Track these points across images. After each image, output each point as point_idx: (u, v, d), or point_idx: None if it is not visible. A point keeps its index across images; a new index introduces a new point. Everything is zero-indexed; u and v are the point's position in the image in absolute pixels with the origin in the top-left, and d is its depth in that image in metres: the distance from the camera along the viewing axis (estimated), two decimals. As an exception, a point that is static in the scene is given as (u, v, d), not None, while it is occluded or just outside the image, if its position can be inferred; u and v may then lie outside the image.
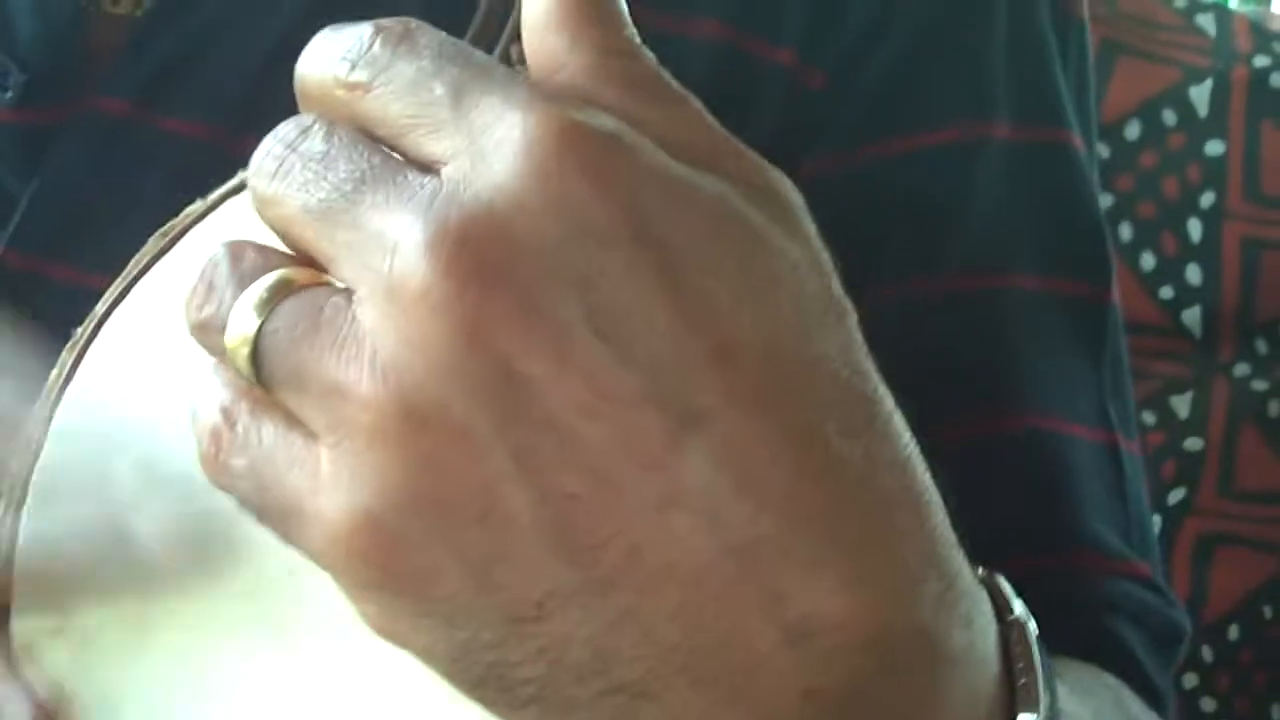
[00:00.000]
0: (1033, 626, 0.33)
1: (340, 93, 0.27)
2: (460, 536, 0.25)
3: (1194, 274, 1.14)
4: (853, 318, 0.28)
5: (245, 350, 0.26)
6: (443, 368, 0.24)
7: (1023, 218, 0.57)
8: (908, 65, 0.56)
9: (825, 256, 0.28)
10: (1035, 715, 0.31)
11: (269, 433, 0.27)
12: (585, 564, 0.25)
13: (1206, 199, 1.15)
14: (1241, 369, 1.10)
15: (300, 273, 0.27)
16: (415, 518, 0.25)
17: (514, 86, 0.26)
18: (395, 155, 0.26)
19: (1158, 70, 1.16)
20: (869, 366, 0.28)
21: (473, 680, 0.27)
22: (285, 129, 0.28)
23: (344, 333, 0.25)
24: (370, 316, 0.25)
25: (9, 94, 0.52)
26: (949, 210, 0.56)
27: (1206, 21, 1.19)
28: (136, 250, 0.44)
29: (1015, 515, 0.53)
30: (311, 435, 0.26)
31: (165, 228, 0.40)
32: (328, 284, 0.27)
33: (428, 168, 0.26)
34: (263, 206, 0.28)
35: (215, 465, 0.28)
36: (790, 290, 0.26)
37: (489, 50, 0.45)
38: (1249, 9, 1.21)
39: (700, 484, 0.25)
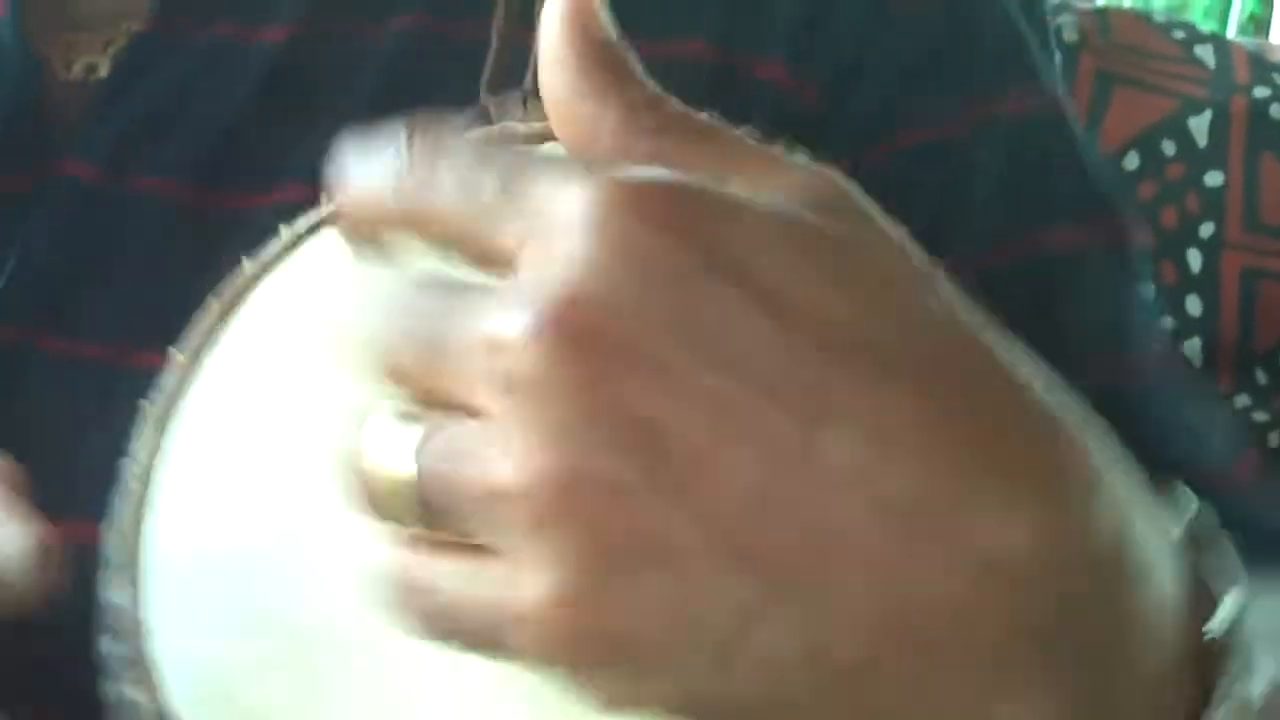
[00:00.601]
0: (1209, 526, 0.33)
1: (393, 208, 0.29)
2: (650, 585, 0.26)
3: (1194, 305, 1.16)
4: (940, 273, 0.29)
5: (408, 497, 0.27)
6: (578, 439, 0.25)
7: (1040, 179, 0.57)
8: (904, 65, 0.55)
9: (894, 229, 0.29)
10: (1236, 596, 0.32)
11: (451, 569, 0.28)
12: (767, 572, 0.26)
13: (1206, 229, 1.17)
14: (1242, 400, 1.11)
15: (427, 411, 0.28)
16: (605, 582, 0.26)
17: (560, 164, 0.27)
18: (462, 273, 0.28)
19: (1156, 101, 1.18)
20: (970, 309, 0.28)
21: (712, 717, 0.28)
22: None
23: (483, 448, 0.26)
24: (499, 421, 0.26)
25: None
26: (966, 192, 0.56)
27: (1205, 52, 1.21)
28: (125, 315, 0.47)
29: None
30: (486, 551, 0.27)
31: (220, 294, 0.41)
32: (452, 411, 0.28)
33: (498, 264, 0.27)
34: (364, 363, 0.29)
35: (414, 618, 0.29)
36: (868, 265, 0.27)
37: (508, 87, 0.48)
38: (1248, 40, 1.23)
39: (850, 469, 0.25)
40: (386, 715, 0.37)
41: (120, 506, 0.40)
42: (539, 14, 0.32)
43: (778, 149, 0.30)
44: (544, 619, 0.26)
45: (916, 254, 0.29)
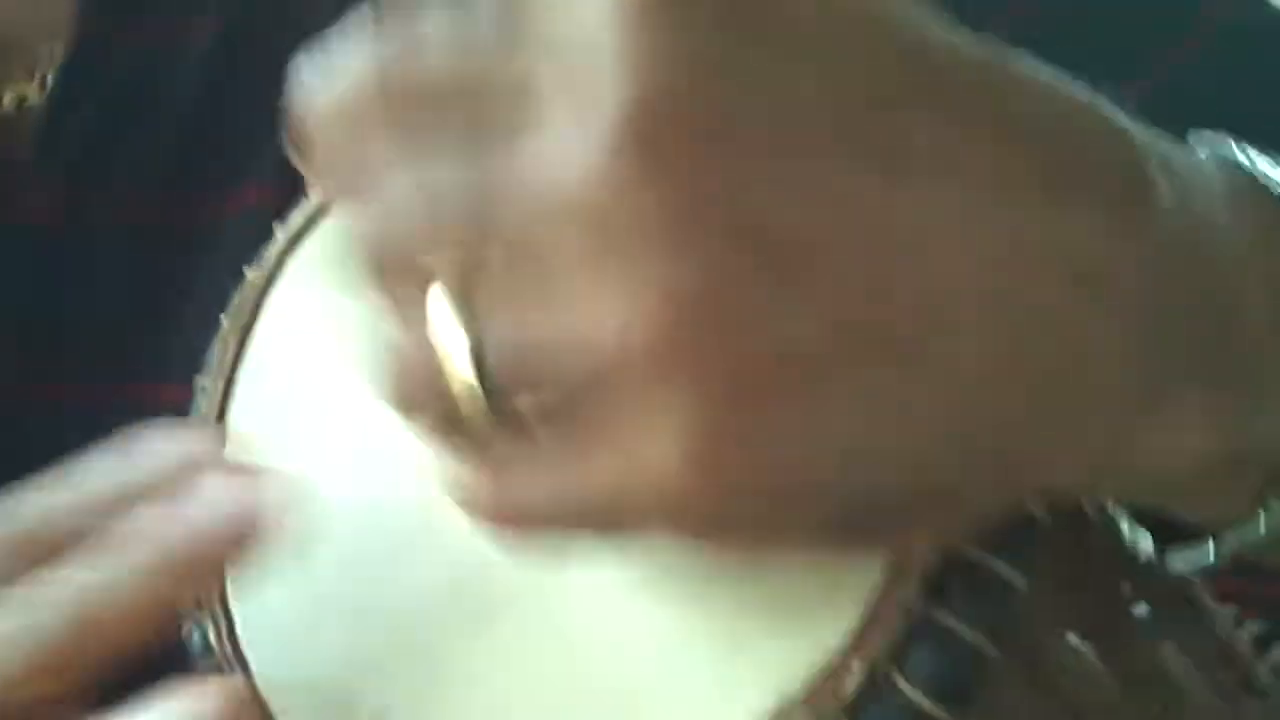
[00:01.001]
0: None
1: (376, 99, 0.24)
2: (793, 410, 0.23)
3: None
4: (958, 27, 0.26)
5: (473, 394, 0.24)
6: (688, 260, 0.22)
7: None
8: None
9: None
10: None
11: (541, 465, 0.25)
12: (899, 351, 0.23)
13: None
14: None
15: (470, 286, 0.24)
16: (742, 421, 0.22)
17: None
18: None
19: None
20: (1003, 52, 0.26)
21: (848, 531, 0.26)
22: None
23: (566, 316, 0.23)
24: (584, 276, 0.22)
25: None
26: None
27: None
28: (109, 348, 0.45)
29: None
30: (581, 424, 0.23)
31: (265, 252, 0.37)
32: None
33: (524, 97, 0.23)
34: (393, 265, 0.25)
35: (511, 525, 0.26)
36: (894, 21, 0.25)
37: None
38: None
39: (941, 218, 0.24)
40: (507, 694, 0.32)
41: None
42: None
43: None
44: (680, 480, 0.23)
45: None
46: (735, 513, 0.24)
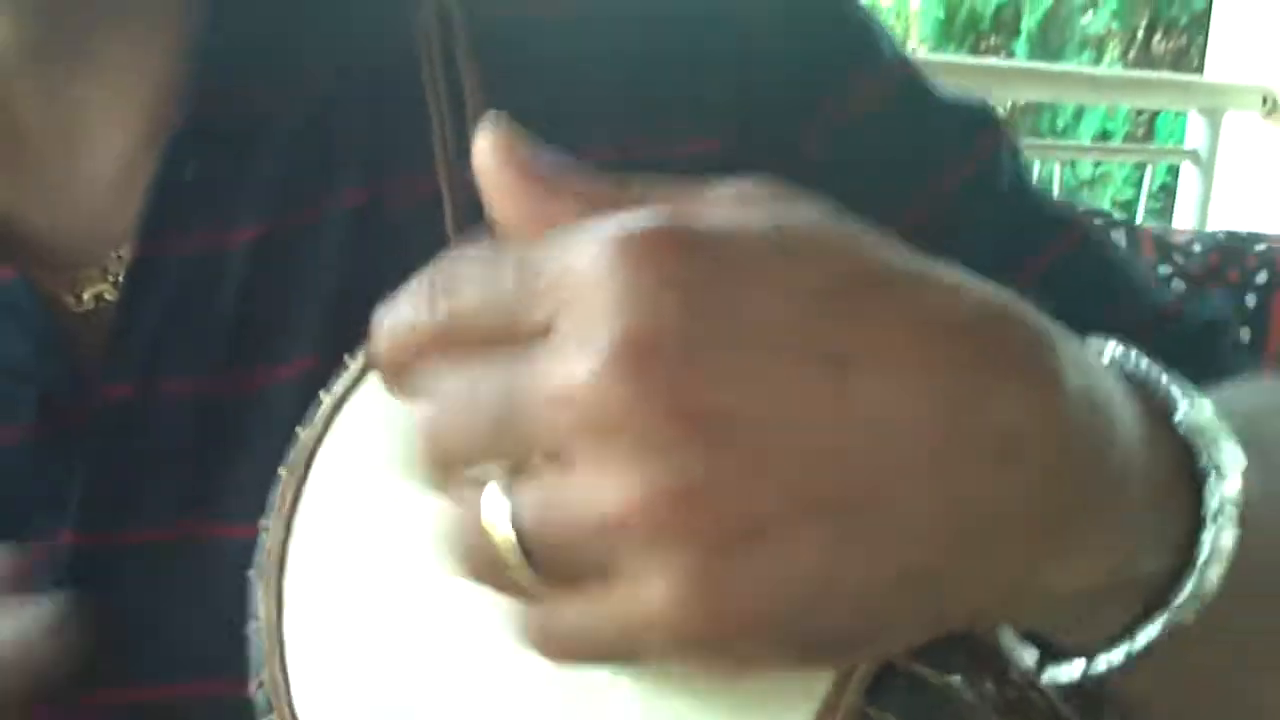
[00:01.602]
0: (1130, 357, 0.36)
1: (431, 331, 0.31)
2: (758, 556, 0.28)
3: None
4: (885, 235, 0.31)
5: (515, 556, 0.29)
6: (668, 451, 0.27)
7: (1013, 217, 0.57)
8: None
9: (818, 200, 0.31)
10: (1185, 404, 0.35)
11: (576, 607, 0.30)
12: (844, 510, 0.28)
13: None
14: None
15: (508, 471, 0.30)
16: (722, 568, 0.28)
17: (564, 236, 0.30)
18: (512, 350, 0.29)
19: None
20: (923, 259, 0.30)
21: (806, 652, 0.30)
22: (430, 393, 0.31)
23: (582, 490, 0.28)
24: (590, 461, 0.28)
25: (30, 411, 0.52)
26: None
27: (1119, 236, 1.27)
28: (182, 500, 0.49)
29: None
30: (600, 574, 0.29)
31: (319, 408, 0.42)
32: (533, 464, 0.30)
33: (534, 342, 0.29)
34: (443, 456, 0.31)
35: (555, 654, 0.31)
36: (826, 230, 0.30)
37: (471, 224, 0.48)
38: (1153, 224, 1.34)
39: (879, 402, 0.28)
40: None
41: (256, 658, 0.41)
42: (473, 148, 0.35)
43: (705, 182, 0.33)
44: (675, 618, 0.28)
45: (845, 215, 0.31)
46: (723, 642, 0.29)
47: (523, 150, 0.32)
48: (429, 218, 0.50)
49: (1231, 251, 1.25)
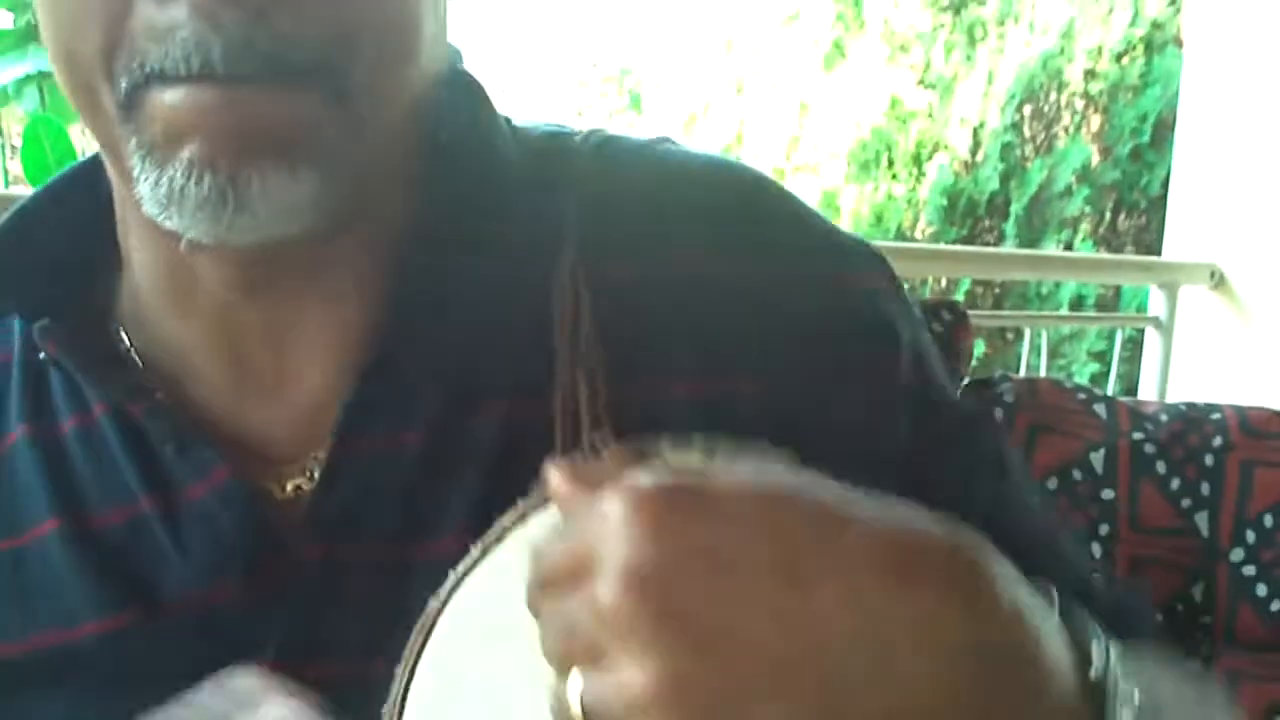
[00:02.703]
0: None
1: (539, 579, 0.40)
2: (723, 706, 0.35)
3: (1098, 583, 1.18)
4: (845, 487, 0.38)
5: None
6: (662, 646, 0.35)
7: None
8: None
9: (792, 462, 0.40)
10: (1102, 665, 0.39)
11: None
12: (794, 696, 0.35)
13: (1104, 529, 1.33)
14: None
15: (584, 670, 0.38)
16: (716, 706, 0.35)
17: (599, 499, 0.38)
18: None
19: (1068, 442, 1.35)
20: (875, 502, 0.37)
21: None
22: (553, 629, 0.40)
23: (617, 679, 0.36)
24: (619, 657, 0.36)
25: (239, 576, 0.56)
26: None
27: (1100, 408, 1.38)
28: (358, 636, 0.52)
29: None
30: None
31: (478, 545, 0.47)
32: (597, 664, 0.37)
33: (591, 569, 0.37)
34: (551, 656, 0.40)
35: None
36: (778, 506, 0.37)
37: (574, 449, 0.54)
38: (1127, 398, 1.36)
39: (829, 622, 0.35)
40: None
41: None
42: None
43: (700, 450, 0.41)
44: None
45: (810, 470, 0.39)
46: None
47: (578, 472, 0.41)
48: (544, 435, 0.54)
49: (1192, 420, 1.35)
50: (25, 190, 2.10)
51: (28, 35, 2.41)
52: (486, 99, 0.61)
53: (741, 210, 0.60)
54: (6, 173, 3.04)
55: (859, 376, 0.57)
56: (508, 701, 0.42)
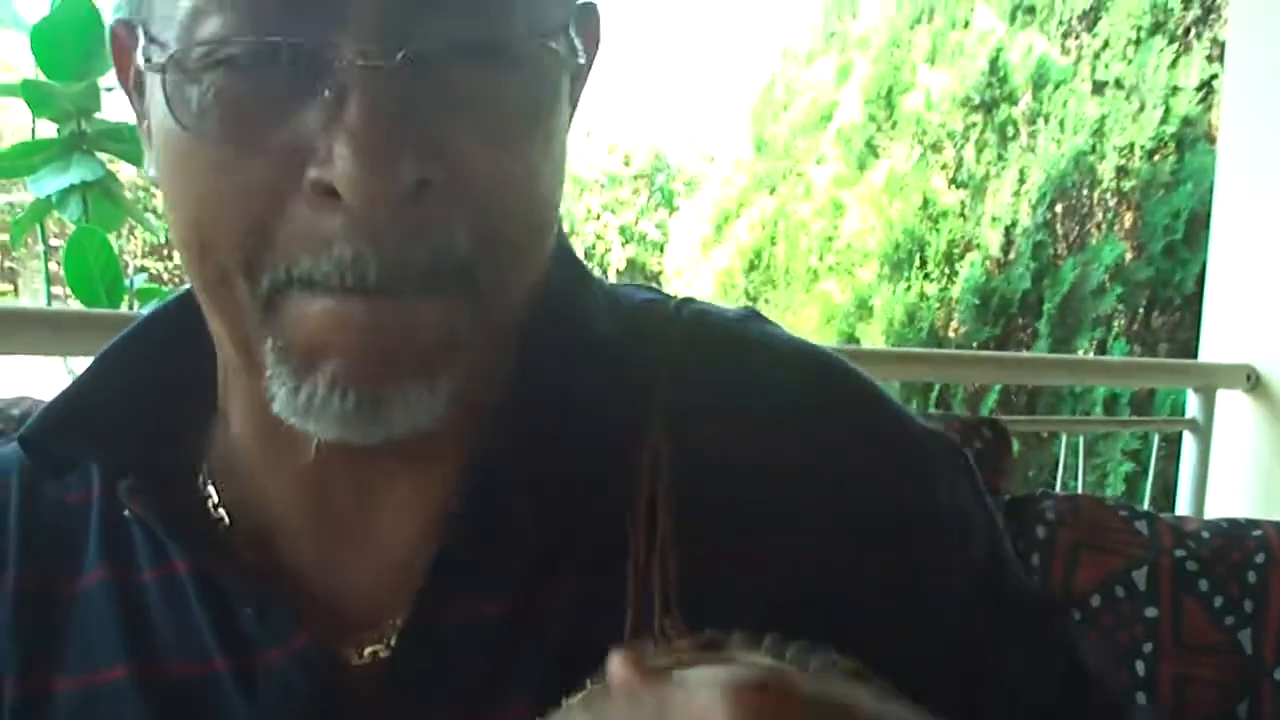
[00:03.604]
0: None
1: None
2: None
3: (1141, 700, 1.29)
4: (887, 690, 0.42)
5: None
6: None
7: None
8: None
9: (852, 670, 0.43)
10: None
11: None
12: None
13: (1147, 647, 1.33)
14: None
15: None
16: None
17: (689, 682, 0.40)
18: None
19: (1110, 559, 1.36)
20: (899, 705, 0.41)
21: None
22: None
23: None
24: None
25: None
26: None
27: (1142, 525, 1.40)
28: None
29: None
30: None
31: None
32: None
33: None
34: None
35: None
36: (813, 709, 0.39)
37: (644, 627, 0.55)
38: (1169, 515, 1.39)
39: None
40: None
41: None
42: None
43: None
44: None
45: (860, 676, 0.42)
46: None
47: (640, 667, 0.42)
48: (617, 613, 0.55)
49: (1233, 537, 1.37)
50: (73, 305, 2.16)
51: (71, 145, 2.47)
52: (586, 273, 0.64)
53: (824, 397, 0.62)
54: (49, 281, 3.11)
55: (933, 568, 0.59)
56: None
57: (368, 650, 0.58)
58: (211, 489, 0.62)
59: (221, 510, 0.61)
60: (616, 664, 0.42)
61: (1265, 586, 1.32)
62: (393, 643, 0.57)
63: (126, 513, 0.60)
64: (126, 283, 2.54)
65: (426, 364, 0.51)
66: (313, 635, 0.57)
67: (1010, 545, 0.64)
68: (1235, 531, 1.38)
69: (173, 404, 0.62)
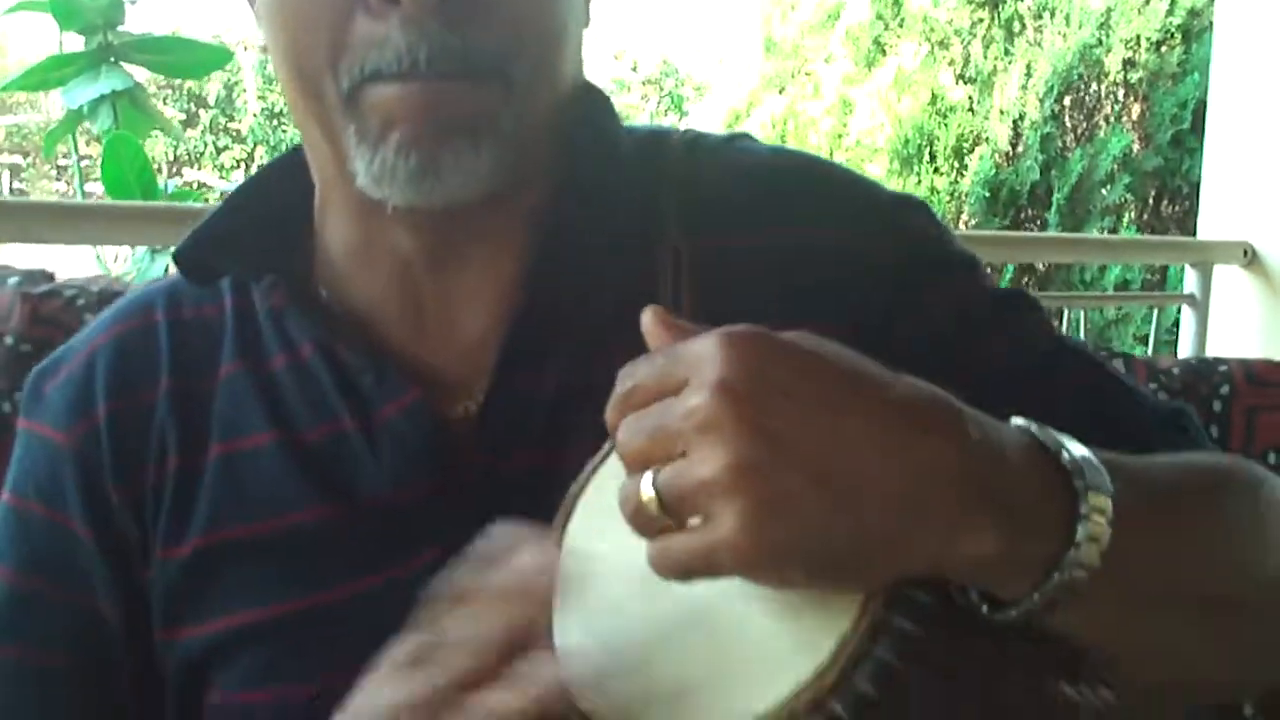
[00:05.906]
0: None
1: (627, 397, 0.48)
2: (783, 499, 0.43)
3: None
4: (873, 359, 0.48)
5: (654, 506, 0.46)
6: (740, 444, 0.43)
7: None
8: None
9: (806, 340, 0.47)
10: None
11: (685, 538, 0.45)
12: (835, 480, 0.44)
13: None
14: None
15: (658, 467, 0.46)
16: (764, 504, 0.43)
17: (691, 339, 0.47)
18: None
19: None
20: (889, 371, 0.47)
21: (830, 571, 0.45)
22: (633, 447, 0.48)
23: (694, 467, 0.44)
24: (700, 448, 0.44)
25: (423, 481, 0.67)
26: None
27: (1119, 363, 1.23)
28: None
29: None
30: (699, 518, 0.45)
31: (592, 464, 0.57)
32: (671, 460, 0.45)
33: (682, 386, 0.46)
34: (630, 458, 0.48)
35: (669, 570, 0.47)
36: (816, 356, 0.46)
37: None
38: (1141, 355, 1.27)
39: (857, 434, 0.45)
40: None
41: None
42: None
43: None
44: (736, 545, 0.43)
45: (817, 342, 0.48)
46: (766, 562, 0.44)
47: (667, 325, 0.50)
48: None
49: (1200, 372, 1.30)
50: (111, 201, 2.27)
51: (100, 57, 2.57)
52: (611, 109, 0.76)
53: (806, 185, 0.74)
54: (83, 188, 3.20)
55: (920, 296, 0.70)
56: (638, 556, 0.49)
57: (461, 407, 0.69)
58: (322, 290, 0.74)
59: (332, 306, 0.73)
60: (649, 317, 0.51)
61: (1229, 415, 1.29)
62: (480, 400, 0.68)
63: (263, 307, 0.73)
64: (161, 185, 2.68)
65: (472, 131, 0.63)
66: (422, 394, 0.68)
67: (983, 269, 0.75)
68: (1202, 367, 1.34)
69: (290, 226, 0.75)
